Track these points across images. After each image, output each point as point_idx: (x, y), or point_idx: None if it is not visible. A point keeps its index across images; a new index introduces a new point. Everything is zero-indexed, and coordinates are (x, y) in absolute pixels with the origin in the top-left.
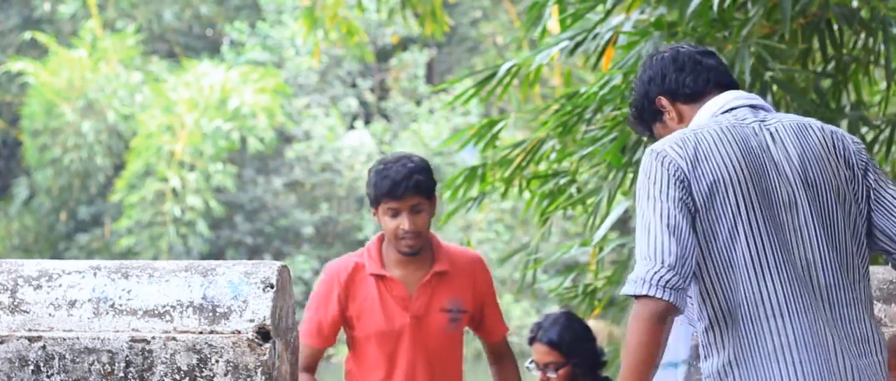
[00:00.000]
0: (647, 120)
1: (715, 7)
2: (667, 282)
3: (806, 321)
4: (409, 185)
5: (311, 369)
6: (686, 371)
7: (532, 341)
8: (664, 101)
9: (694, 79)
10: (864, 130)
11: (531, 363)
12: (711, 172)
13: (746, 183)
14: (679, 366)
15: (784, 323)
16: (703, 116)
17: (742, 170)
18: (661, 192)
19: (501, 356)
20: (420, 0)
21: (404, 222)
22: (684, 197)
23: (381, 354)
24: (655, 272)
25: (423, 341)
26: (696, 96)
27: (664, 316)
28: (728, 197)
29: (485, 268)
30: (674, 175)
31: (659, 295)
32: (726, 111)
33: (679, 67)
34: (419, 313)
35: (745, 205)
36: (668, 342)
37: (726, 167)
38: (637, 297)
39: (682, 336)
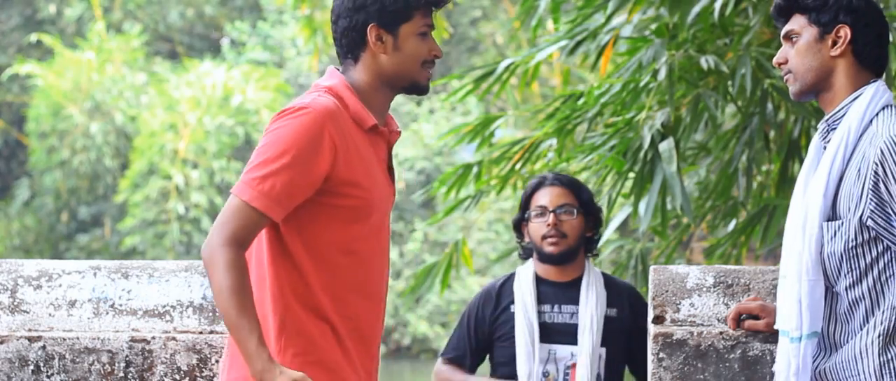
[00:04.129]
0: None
1: (716, 13)
2: None
3: None
4: None
5: (246, 243)
6: (809, 347)
7: (537, 188)
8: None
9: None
10: None
11: (530, 212)
12: None
13: None
14: (802, 340)
15: None
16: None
17: None
18: None
19: None
20: None
21: (434, 46)
22: None
23: (370, 241)
24: None
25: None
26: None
27: None
28: None
29: None
30: None
31: None
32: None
33: None
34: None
35: None
36: (795, 309)
37: None
38: None
39: (818, 305)
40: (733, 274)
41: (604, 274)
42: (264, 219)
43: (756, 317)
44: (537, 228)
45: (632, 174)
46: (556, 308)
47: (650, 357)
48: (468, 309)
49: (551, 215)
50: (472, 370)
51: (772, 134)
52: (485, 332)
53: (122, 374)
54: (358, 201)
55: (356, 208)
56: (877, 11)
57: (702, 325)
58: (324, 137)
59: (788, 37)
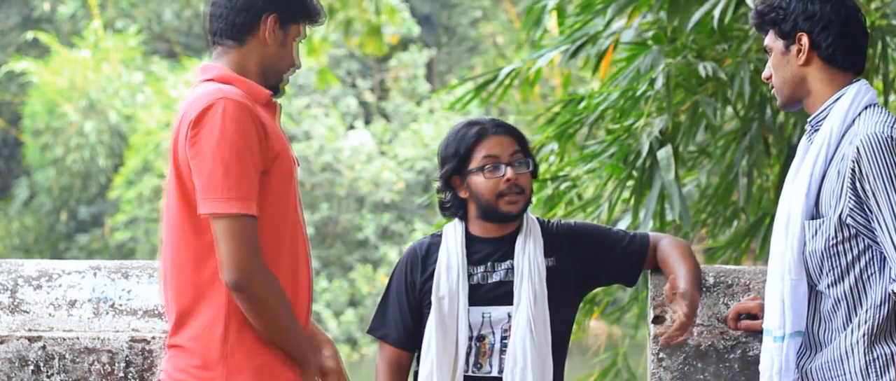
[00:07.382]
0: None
1: (715, 20)
2: None
3: None
4: None
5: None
6: (792, 346)
7: (480, 137)
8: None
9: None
10: None
11: (473, 165)
12: None
13: None
14: (785, 339)
15: None
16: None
17: None
18: None
19: None
20: (360, 21)
21: (298, 56)
22: None
23: (287, 209)
24: None
25: None
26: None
27: None
28: None
29: None
30: None
31: None
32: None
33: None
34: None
35: None
36: (778, 308)
37: None
38: None
39: (801, 305)
40: (733, 274)
41: (538, 220)
42: (253, 220)
43: (755, 317)
44: (489, 184)
45: (631, 181)
46: (489, 267)
47: (650, 357)
48: (395, 275)
49: (508, 168)
50: (404, 346)
51: (771, 138)
52: (415, 299)
53: (122, 374)
54: (287, 166)
55: (287, 174)
56: (836, 12)
57: (702, 325)
58: (251, 120)
59: (767, 52)
